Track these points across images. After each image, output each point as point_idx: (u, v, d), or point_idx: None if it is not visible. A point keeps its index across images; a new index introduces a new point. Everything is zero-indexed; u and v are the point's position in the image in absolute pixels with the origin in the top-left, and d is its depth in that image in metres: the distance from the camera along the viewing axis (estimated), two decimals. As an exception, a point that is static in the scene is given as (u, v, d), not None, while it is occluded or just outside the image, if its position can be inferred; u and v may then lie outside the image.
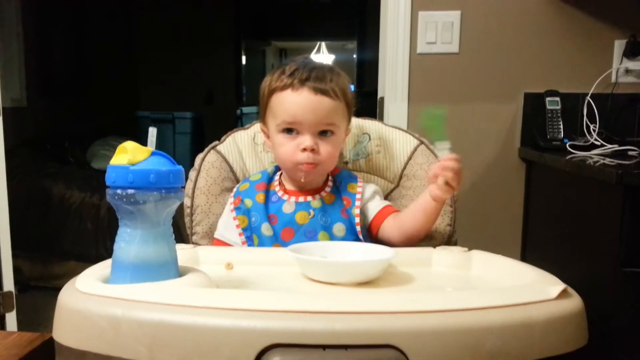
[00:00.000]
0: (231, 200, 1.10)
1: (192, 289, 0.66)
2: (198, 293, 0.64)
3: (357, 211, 1.07)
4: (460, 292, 0.74)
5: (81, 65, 4.36)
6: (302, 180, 1.06)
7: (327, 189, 1.10)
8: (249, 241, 1.06)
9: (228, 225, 1.10)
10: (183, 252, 0.88)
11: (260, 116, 1.12)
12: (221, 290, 0.68)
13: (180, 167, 0.70)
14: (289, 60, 1.08)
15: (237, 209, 1.08)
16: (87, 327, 0.62)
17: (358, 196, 1.09)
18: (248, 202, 1.08)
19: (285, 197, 1.08)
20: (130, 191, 0.65)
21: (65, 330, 0.64)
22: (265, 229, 1.05)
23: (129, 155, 0.66)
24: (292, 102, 1.01)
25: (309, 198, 1.08)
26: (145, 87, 5.28)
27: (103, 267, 0.73)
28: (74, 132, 3.88)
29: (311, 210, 1.06)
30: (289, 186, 1.10)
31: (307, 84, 1.00)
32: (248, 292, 0.66)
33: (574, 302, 0.67)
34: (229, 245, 1.09)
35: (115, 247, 0.68)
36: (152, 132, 0.70)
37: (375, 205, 1.11)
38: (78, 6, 4.29)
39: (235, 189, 1.13)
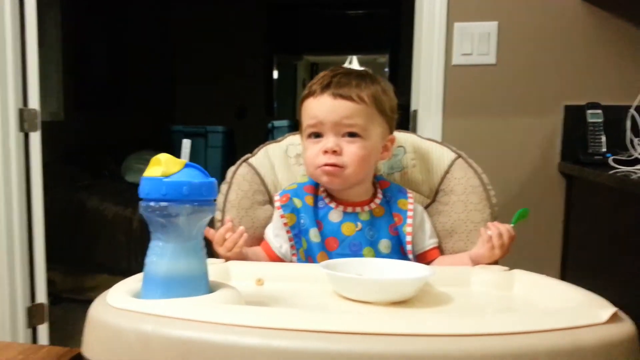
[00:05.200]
0: (277, 197, 1.08)
1: (223, 305, 0.64)
2: (229, 310, 0.62)
3: (409, 229, 1.05)
4: (502, 314, 0.70)
5: (117, 80, 4.46)
6: (328, 185, 1.05)
7: (377, 201, 1.08)
8: (297, 239, 1.04)
9: (276, 231, 1.08)
10: (214, 266, 0.86)
11: (299, 128, 1.12)
12: (253, 308, 0.66)
13: (213, 179, 0.69)
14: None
15: (284, 206, 1.06)
16: (116, 343, 0.60)
17: (410, 214, 1.07)
18: (297, 202, 1.06)
19: (333, 204, 1.06)
20: (163, 203, 0.64)
21: (94, 344, 0.63)
22: (314, 235, 1.03)
23: (162, 167, 0.65)
24: (312, 107, 1.02)
25: (358, 209, 1.06)
26: (179, 102, 5.37)
27: (134, 281, 0.72)
28: (109, 145, 3.95)
29: (359, 223, 1.04)
30: (335, 196, 1.08)
31: (328, 91, 1.00)
32: (280, 310, 0.64)
33: (626, 326, 0.62)
34: (273, 251, 1.08)
35: (147, 260, 0.67)
36: (186, 144, 0.69)
37: (426, 240, 1.10)
38: (116, 22, 4.39)
39: (280, 190, 1.12)
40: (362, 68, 1.12)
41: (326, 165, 1.00)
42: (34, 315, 2.03)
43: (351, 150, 1.00)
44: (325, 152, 1.00)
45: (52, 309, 2.24)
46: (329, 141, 1.00)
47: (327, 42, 5.76)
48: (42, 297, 2.06)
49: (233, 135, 3.93)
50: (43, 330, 2.08)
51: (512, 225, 0.97)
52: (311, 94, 1.03)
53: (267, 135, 3.63)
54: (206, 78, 5.28)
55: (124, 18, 4.51)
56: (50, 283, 2.63)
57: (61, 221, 2.98)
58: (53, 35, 3.52)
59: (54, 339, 2.12)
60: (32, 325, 2.04)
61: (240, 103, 5.34)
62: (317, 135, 1.03)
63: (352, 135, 1.01)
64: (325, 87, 1.01)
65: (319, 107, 1.01)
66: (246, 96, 5.34)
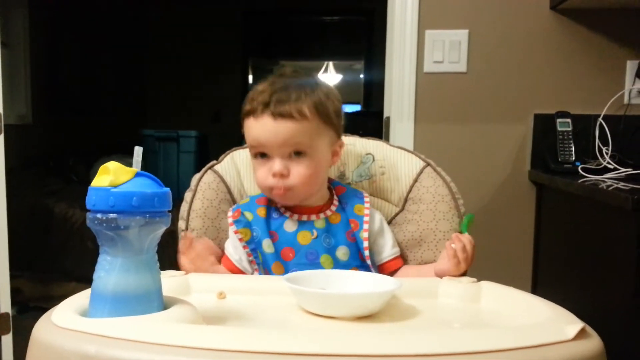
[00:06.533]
0: (230, 214, 1.06)
1: (174, 324, 0.60)
2: (180, 330, 0.58)
3: (365, 235, 1.03)
4: (468, 331, 0.68)
5: (88, 83, 4.37)
6: (283, 203, 1.04)
7: (333, 208, 1.06)
8: (255, 254, 1.02)
9: (233, 243, 1.06)
10: (172, 280, 0.83)
11: None
12: (206, 328, 0.63)
13: (167, 189, 0.65)
14: (269, 77, 1.04)
15: (237, 222, 1.04)
16: (58, 365, 0.57)
17: (366, 219, 1.05)
18: (249, 215, 1.04)
19: (287, 214, 1.04)
20: (111, 215, 0.61)
21: (36, 367, 0.59)
22: (267, 246, 1.01)
23: (111, 176, 0.62)
24: (254, 128, 0.99)
25: (313, 217, 1.04)
26: (152, 106, 5.29)
27: (84, 298, 0.68)
28: (79, 149, 3.86)
29: (314, 231, 1.02)
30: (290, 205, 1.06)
31: (267, 110, 0.97)
32: (236, 330, 0.61)
33: (593, 343, 0.61)
34: (234, 264, 1.05)
35: (95, 276, 0.63)
36: (138, 151, 0.66)
37: (388, 250, 1.08)
38: (86, 23, 4.31)
39: (234, 205, 1.10)
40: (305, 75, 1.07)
41: (276, 188, 0.99)
42: (-3, 325, 1.96)
43: (298, 171, 0.98)
44: (274, 175, 0.98)
45: (19, 318, 2.17)
46: (275, 164, 0.98)
47: (303, 47, 5.75)
48: (6, 306, 1.99)
49: (207, 140, 3.88)
50: (7, 340, 2.00)
51: (465, 232, 0.97)
52: (252, 112, 0.99)
53: (241, 140, 3.58)
54: (180, 82, 5.22)
55: (96, 21, 4.43)
56: (17, 292, 2.56)
57: (28, 227, 2.90)
58: (20, 36, 3.43)
59: (19, 350, 2.05)
60: (-4, 335, 1.97)
61: (215, 107, 5.29)
62: (263, 154, 1.00)
63: (298, 153, 0.99)
64: (265, 107, 0.97)
65: (261, 130, 0.98)
66: (221, 101, 5.29)
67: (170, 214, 0.65)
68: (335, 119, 1.03)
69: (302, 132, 0.97)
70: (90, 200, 0.61)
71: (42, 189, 3.12)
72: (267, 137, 0.97)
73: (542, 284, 1.82)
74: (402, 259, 1.11)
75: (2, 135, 1.97)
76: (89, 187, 0.62)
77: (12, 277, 2.01)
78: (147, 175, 0.64)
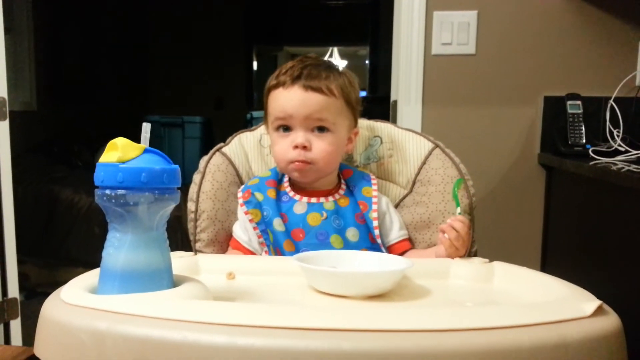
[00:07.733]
0: (240, 194, 1.06)
1: (185, 301, 0.60)
2: (190, 306, 0.58)
3: (374, 215, 1.03)
4: (482, 308, 0.67)
5: (92, 69, 4.36)
6: (299, 179, 1.04)
7: (341, 192, 1.06)
8: (265, 235, 1.02)
9: (242, 225, 1.06)
10: (181, 260, 0.82)
11: (264, 118, 1.10)
12: (216, 303, 0.62)
13: (175, 166, 0.64)
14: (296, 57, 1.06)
15: (247, 202, 1.04)
16: (68, 342, 0.56)
17: (374, 200, 1.05)
18: (259, 196, 1.04)
19: (297, 197, 1.04)
20: (120, 192, 0.60)
21: (46, 344, 0.59)
22: (278, 224, 1.01)
23: (119, 153, 0.60)
24: (282, 98, 1.00)
25: (322, 199, 1.04)
26: (156, 92, 5.27)
27: (93, 276, 0.68)
28: (83, 135, 3.87)
29: (324, 212, 1.02)
30: (299, 187, 1.06)
31: (298, 82, 0.99)
32: (246, 305, 0.60)
33: (612, 320, 0.60)
34: (243, 246, 1.05)
35: (104, 253, 0.62)
36: (146, 127, 0.65)
37: (396, 231, 1.07)
38: (89, 10, 4.29)
39: (243, 185, 1.09)
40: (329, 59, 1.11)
41: (297, 161, 1.00)
42: (6, 310, 1.97)
43: (320, 147, 1.00)
44: (295, 147, 0.99)
45: (26, 303, 2.18)
46: (298, 136, 0.99)
47: (307, 33, 5.72)
48: (14, 291, 2.00)
49: (211, 126, 3.88)
50: (16, 325, 2.02)
51: (458, 207, 0.95)
52: (281, 84, 1.00)
53: (245, 126, 3.58)
54: (183, 70, 5.19)
55: (99, 8, 4.41)
56: (25, 277, 2.57)
57: (34, 213, 2.90)
58: (23, 22, 3.42)
59: (27, 335, 2.06)
60: (5, 320, 1.98)
61: (219, 94, 5.27)
62: (286, 128, 1.01)
63: (321, 129, 1.00)
64: (296, 79, 0.99)
65: (289, 100, 0.99)
66: (225, 87, 5.27)
67: (179, 191, 0.64)
68: (355, 106, 1.05)
69: (328, 108, 0.99)
70: (99, 176, 0.60)
71: (47, 175, 3.13)
72: (295, 107, 0.99)
73: (551, 268, 1.81)
74: (410, 242, 1.10)
75: (8, 120, 1.96)
76: (97, 163, 0.61)
77: (19, 262, 2.02)
78: (156, 152, 0.63)
